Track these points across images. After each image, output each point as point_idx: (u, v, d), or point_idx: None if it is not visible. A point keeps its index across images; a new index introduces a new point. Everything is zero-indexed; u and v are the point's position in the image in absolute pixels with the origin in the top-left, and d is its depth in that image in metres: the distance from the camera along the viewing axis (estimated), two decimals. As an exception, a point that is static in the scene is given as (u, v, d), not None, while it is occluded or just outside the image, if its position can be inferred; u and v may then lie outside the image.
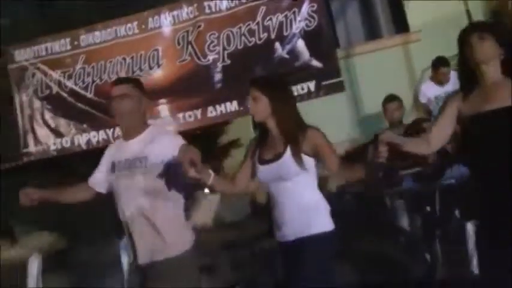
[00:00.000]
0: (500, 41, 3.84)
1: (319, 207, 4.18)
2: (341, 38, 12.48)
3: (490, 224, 3.79)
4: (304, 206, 4.14)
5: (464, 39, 3.87)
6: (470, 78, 3.89)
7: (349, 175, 4.24)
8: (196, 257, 4.31)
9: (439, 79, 8.38)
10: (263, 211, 8.07)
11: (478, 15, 11.39)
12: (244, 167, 4.42)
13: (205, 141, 8.09)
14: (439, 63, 8.33)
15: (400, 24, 11.96)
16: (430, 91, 8.36)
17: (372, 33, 12.36)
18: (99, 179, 4.72)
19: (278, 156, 4.16)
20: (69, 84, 7.58)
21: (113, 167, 4.53)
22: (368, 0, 12.59)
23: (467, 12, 11.47)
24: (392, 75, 10.55)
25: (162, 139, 4.45)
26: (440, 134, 3.99)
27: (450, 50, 10.51)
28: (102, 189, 4.71)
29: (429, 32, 11.02)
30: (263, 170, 4.26)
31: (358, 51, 11.65)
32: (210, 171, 4.19)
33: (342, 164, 4.15)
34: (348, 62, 11.52)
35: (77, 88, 7.55)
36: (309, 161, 4.14)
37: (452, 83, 8.22)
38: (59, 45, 7.66)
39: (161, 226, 4.25)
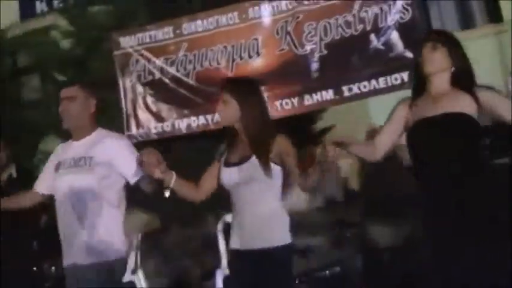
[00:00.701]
0: (453, 53, 3.94)
1: (280, 218, 4.11)
2: (435, 27, 12.54)
3: (433, 230, 3.86)
4: (265, 215, 4.06)
5: (418, 49, 4.05)
6: (420, 85, 4.04)
7: (303, 185, 4.07)
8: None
9: None
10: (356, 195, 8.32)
11: None
12: (209, 171, 4.35)
13: (302, 127, 8.33)
14: None
15: (494, 14, 11.96)
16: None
17: (466, 22, 12.39)
18: (42, 181, 4.91)
19: (243, 160, 4.12)
20: (172, 70, 7.85)
21: (58, 167, 4.70)
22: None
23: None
24: (486, 64, 10.56)
25: (108, 141, 4.67)
26: (386, 140, 4.09)
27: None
28: (44, 190, 4.86)
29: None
30: (227, 173, 4.19)
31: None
32: (173, 173, 4.15)
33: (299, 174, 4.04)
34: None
35: (178, 74, 7.82)
36: (275, 169, 4.09)
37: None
38: (162, 33, 7.92)
39: None
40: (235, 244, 4.20)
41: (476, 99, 3.85)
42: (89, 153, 4.59)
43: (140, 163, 4.11)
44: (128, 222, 4.79)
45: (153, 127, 7.93)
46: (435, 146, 3.83)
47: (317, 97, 7.23)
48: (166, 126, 7.88)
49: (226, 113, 4.30)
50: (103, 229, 4.54)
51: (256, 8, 7.64)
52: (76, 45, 9.53)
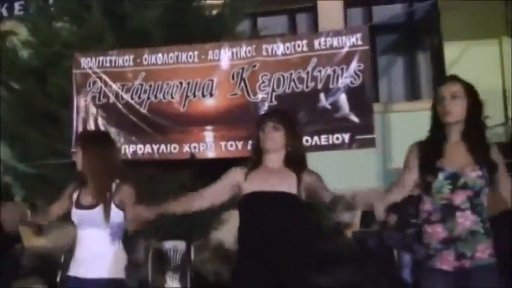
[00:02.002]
0: (290, 133, 4.44)
1: (117, 256, 4.58)
2: (382, 93, 13.04)
3: None
4: (103, 253, 4.55)
5: (260, 125, 4.46)
6: (258, 158, 4.50)
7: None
8: None
9: None
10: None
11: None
12: (59, 204, 4.80)
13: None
14: None
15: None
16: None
17: (412, 93, 12.92)
18: None
19: (90, 207, 4.56)
20: (126, 97, 8.08)
21: None
22: (413, 62, 13.18)
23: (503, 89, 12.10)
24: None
25: None
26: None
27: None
28: None
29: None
30: (76, 214, 4.64)
31: (396, 108, 12.18)
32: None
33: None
34: (386, 117, 12.04)
35: (132, 102, 8.05)
36: (118, 214, 4.53)
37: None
38: (123, 60, 8.16)
39: None
40: (73, 272, 4.65)
41: (299, 180, 4.35)
42: None
43: None
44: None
45: (100, 148, 8.07)
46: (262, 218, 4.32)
47: (261, 144, 7.48)
48: (113, 149, 8.03)
49: (78, 160, 4.69)
50: None
51: (217, 50, 7.94)
52: (36, 56, 9.64)
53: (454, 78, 4.25)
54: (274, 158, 4.45)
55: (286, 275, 4.24)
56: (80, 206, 4.64)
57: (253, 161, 4.53)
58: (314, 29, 12.94)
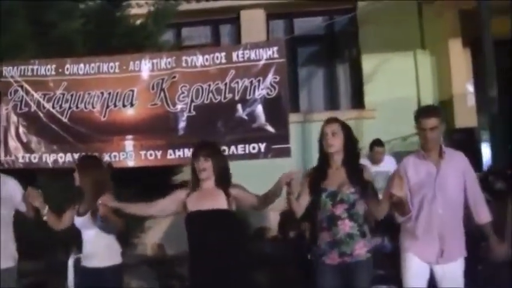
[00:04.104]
0: (217, 162, 5.81)
1: (110, 248, 6.19)
2: (303, 103, 13.39)
3: None
4: (102, 246, 6.15)
5: (194, 157, 5.86)
6: (196, 183, 5.78)
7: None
8: None
9: (373, 158, 9.24)
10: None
11: (428, 102, 12.44)
12: (68, 212, 6.43)
13: (162, 177, 8.77)
14: (375, 143, 9.23)
15: (357, 101, 12.91)
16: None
17: (332, 103, 13.30)
18: None
19: (85, 213, 6.17)
20: (48, 106, 8.06)
21: None
22: (332, 73, 13.57)
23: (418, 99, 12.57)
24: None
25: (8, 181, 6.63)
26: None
27: (400, 131, 11.63)
28: None
29: (382, 113, 11.99)
30: (78, 220, 6.26)
31: (316, 118, 12.49)
32: (45, 205, 6.30)
33: None
34: (306, 126, 12.35)
35: (53, 111, 8.04)
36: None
37: (386, 164, 9.10)
38: (45, 69, 8.15)
39: None
40: (85, 263, 6.28)
41: (227, 196, 5.63)
42: None
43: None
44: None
45: (20, 156, 8.09)
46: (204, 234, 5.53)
47: (179, 153, 7.63)
48: (34, 157, 8.06)
49: (76, 178, 6.43)
50: None
51: (137, 61, 8.01)
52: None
53: (334, 120, 5.74)
54: (208, 182, 5.72)
55: (228, 273, 5.42)
56: (79, 214, 6.26)
57: (193, 184, 5.78)
58: (237, 40, 13.21)
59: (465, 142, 10.64)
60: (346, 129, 5.66)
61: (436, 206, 5.64)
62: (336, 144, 5.55)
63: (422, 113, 5.75)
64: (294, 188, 5.27)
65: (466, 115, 12.34)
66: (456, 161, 5.75)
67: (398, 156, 10.29)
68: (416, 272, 5.74)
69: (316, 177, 5.60)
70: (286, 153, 7.56)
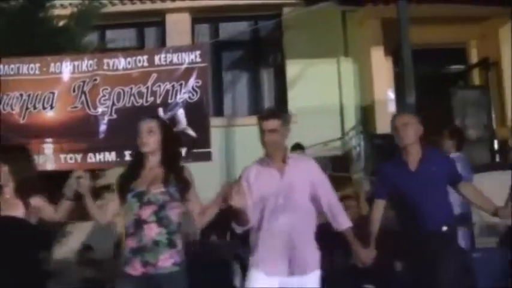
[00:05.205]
0: (15, 168, 5.50)
1: None
2: (227, 108, 13.46)
3: None
4: None
5: None
6: None
7: None
8: None
9: None
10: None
11: (350, 108, 12.69)
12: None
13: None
14: (294, 147, 9.33)
15: (281, 106, 13.05)
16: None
17: (256, 108, 13.39)
18: None
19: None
20: None
21: None
22: (256, 78, 13.68)
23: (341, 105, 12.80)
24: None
25: None
26: None
27: (322, 136, 11.79)
28: None
29: (305, 118, 12.15)
30: None
31: (240, 122, 12.58)
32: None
33: None
34: (230, 130, 12.43)
35: None
36: None
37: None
38: None
39: None
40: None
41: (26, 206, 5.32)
42: None
43: None
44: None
45: None
46: None
47: (100, 157, 7.59)
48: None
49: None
50: None
51: (58, 63, 7.92)
52: None
53: (151, 118, 5.30)
54: (6, 189, 5.40)
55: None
56: None
57: None
58: (162, 44, 13.20)
59: (386, 147, 10.82)
60: (165, 128, 5.21)
61: (280, 215, 5.19)
62: (151, 142, 5.06)
63: (263, 115, 5.39)
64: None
65: (387, 121, 12.39)
66: (303, 168, 5.35)
67: (320, 161, 10.55)
68: None
69: (126, 177, 5.09)
70: (206, 157, 7.59)
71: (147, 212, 4.85)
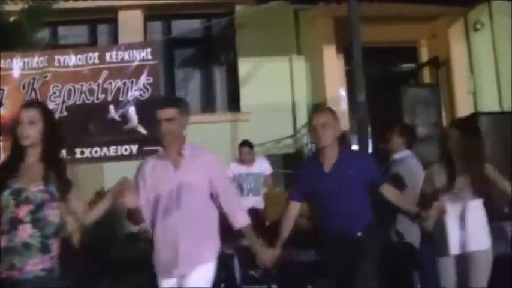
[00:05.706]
0: None
1: None
2: (179, 106, 13.45)
3: None
4: None
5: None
6: None
7: None
8: None
9: (241, 159, 9.24)
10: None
11: (302, 106, 12.80)
12: None
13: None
14: (240, 144, 9.29)
15: (233, 104, 13.11)
16: (235, 169, 9.11)
17: (208, 106, 13.44)
18: None
19: None
20: None
21: None
22: (209, 76, 13.70)
23: (293, 103, 12.91)
24: (218, 148, 11.51)
25: None
26: None
27: (274, 134, 11.87)
28: None
29: (257, 116, 12.23)
30: None
31: (193, 120, 12.56)
32: None
33: None
34: (182, 128, 12.42)
35: None
36: None
37: (258, 165, 9.24)
38: None
39: None
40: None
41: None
42: None
43: None
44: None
45: None
46: None
47: (50, 154, 7.54)
48: None
49: None
50: None
51: (8, 60, 7.88)
52: None
53: (30, 105, 4.63)
54: None
55: None
56: None
57: None
58: (114, 41, 13.12)
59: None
60: (47, 116, 4.51)
61: (171, 211, 4.86)
62: (32, 134, 4.36)
63: (160, 104, 5.06)
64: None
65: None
66: (200, 163, 4.94)
67: (272, 159, 10.64)
68: None
69: (3, 172, 4.42)
70: (158, 154, 7.59)
71: (23, 211, 4.30)
